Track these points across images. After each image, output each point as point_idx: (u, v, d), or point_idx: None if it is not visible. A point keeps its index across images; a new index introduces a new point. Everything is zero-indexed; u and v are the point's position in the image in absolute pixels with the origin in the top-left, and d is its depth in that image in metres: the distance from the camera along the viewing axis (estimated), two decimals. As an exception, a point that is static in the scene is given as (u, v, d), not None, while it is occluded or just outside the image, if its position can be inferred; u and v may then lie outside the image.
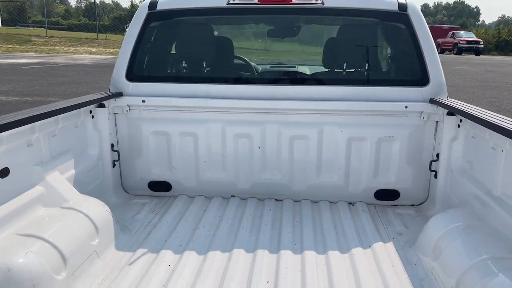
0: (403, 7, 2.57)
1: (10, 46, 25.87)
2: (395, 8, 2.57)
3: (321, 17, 2.76)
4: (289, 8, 2.61)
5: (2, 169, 1.87)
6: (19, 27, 40.07)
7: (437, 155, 2.58)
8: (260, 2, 2.59)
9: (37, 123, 2.07)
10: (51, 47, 26.41)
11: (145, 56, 2.83)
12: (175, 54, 3.02)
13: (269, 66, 4.00)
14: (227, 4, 2.65)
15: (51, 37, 30.86)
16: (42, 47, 26.29)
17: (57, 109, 2.18)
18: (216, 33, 3.01)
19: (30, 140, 2.09)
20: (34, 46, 26.37)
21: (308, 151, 2.70)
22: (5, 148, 1.89)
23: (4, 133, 1.81)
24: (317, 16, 2.74)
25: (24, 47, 25.93)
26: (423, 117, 2.60)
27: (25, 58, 20.05)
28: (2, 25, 40.79)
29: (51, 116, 2.15)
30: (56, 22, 56.92)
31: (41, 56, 21.41)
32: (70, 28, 53.89)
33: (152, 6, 2.77)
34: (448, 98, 2.64)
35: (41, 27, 35.48)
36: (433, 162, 2.59)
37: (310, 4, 2.57)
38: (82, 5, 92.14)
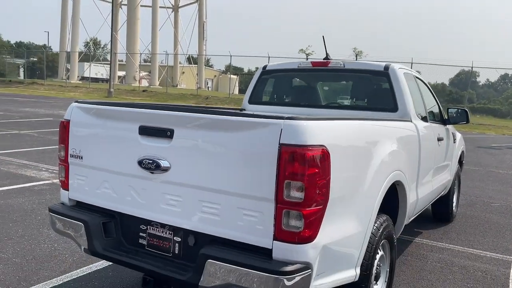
0: (386, 68, 3.91)
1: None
2: (382, 69, 3.94)
3: (343, 73, 4.33)
4: (328, 68, 4.26)
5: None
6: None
7: None
8: (313, 66, 4.33)
9: None
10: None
11: (258, 91, 4.80)
12: (272, 90, 4.90)
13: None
14: (297, 67, 4.47)
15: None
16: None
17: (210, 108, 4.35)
18: (297, 80, 4.83)
19: None
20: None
21: None
22: None
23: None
24: (341, 73, 4.31)
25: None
26: None
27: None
28: (239, 92, 49.81)
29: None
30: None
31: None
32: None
33: (264, 67, 4.81)
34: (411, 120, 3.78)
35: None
36: None
37: (338, 66, 4.17)
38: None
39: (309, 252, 2.08)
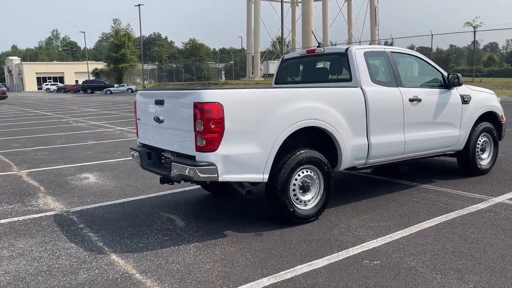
0: (346, 50, 5.17)
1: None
2: (343, 51, 5.22)
3: (324, 56, 5.69)
4: (315, 54, 5.77)
5: None
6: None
7: None
8: (307, 53, 5.94)
9: None
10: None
11: (280, 75, 6.47)
12: (288, 74, 6.40)
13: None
14: (299, 55, 6.16)
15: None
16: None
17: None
18: (300, 64, 6.32)
19: None
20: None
21: None
22: None
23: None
24: (323, 56, 5.70)
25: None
26: None
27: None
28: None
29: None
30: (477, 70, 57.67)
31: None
32: (490, 75, 51.46)
33: (283, 58, 6.50)
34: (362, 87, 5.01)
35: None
36: None
37: (321, 52, 5.66)
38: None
39: (211, 157, 4.03)
